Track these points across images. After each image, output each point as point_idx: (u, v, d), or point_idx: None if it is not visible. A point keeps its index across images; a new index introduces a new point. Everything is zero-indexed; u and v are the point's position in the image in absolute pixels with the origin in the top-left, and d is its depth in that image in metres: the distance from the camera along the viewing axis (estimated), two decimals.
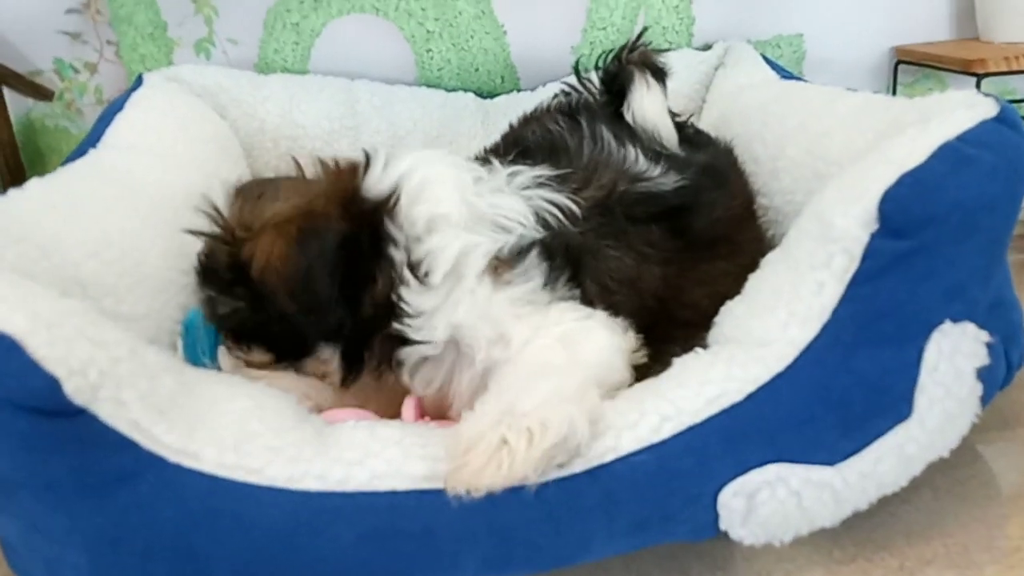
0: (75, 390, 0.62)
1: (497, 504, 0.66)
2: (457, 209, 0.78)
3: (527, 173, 0.86)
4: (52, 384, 0.61)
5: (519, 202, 0.82)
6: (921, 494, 0.83)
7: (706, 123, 1.28)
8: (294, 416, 0.74)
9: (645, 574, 0.77)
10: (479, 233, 0.78)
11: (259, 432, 0.70)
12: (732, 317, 0.78)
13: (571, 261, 0.81)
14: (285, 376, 0.83)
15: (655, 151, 0.97)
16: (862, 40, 1.55)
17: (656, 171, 0.92)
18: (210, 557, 0.65)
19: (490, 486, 0.63)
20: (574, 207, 0.83)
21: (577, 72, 1.17)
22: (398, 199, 0.77)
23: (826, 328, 0.70)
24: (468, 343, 0.77)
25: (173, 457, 0.66)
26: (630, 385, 0.77)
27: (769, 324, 0.72)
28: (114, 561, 0.65)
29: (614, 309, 0.80)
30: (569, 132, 0.99)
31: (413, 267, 0.76)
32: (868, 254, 0.69)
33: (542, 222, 0.81)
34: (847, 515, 0.74)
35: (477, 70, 1.48)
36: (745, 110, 1.14)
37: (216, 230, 0.81)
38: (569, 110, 1.07)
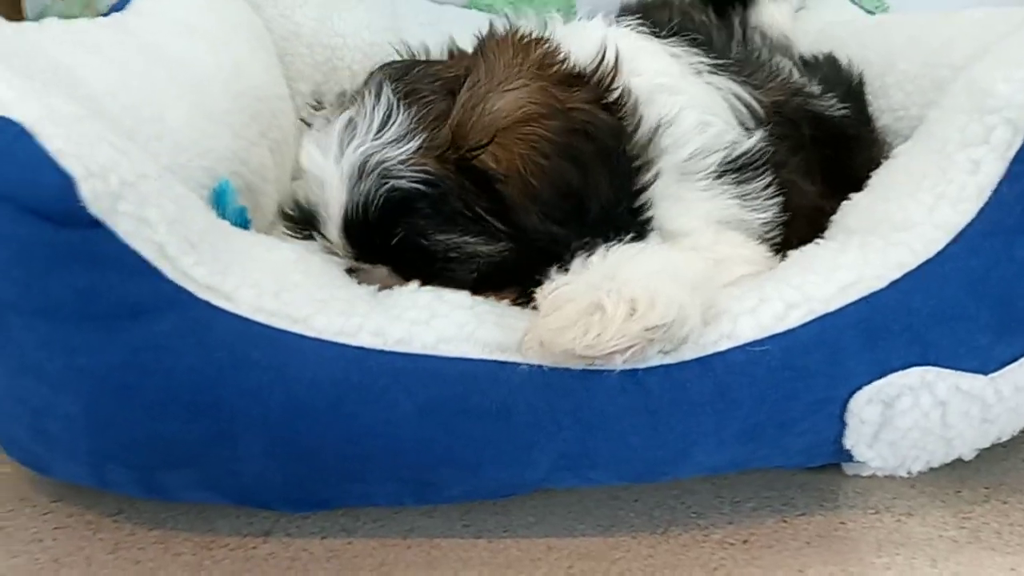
0: (92, 194, 0.50)
1: (589, 387, 0.55)
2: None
3: (697, 55, 0.74)
4: (66, 182, 0.50)
5: (711, 93, 0.70)
6: None
7: None
8: (343, 277, 0.63)
9: (740, 505, 0.65)
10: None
11: (302, 283, 0.58)
12: (857, 208, 0.67)
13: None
14: None
15: (800, 63, 0.88)
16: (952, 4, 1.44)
17: (816, 88, 0.82)
18: (236, 415, 0.53)
19: (568, 350, 0.52)
20: (758, 107, 0.71)
21: None
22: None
23: (984, 211, 0.59)
24: None
25: (202, 294, 0.54)
26: None
27: (910, 208, 0.61)
28: (116, 412, 0.53)
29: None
30: (718, 28, 0.87)
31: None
32: None
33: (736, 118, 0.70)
34: (987, 444, 0.63)
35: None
36: (839, 39, 1.04)
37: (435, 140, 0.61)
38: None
